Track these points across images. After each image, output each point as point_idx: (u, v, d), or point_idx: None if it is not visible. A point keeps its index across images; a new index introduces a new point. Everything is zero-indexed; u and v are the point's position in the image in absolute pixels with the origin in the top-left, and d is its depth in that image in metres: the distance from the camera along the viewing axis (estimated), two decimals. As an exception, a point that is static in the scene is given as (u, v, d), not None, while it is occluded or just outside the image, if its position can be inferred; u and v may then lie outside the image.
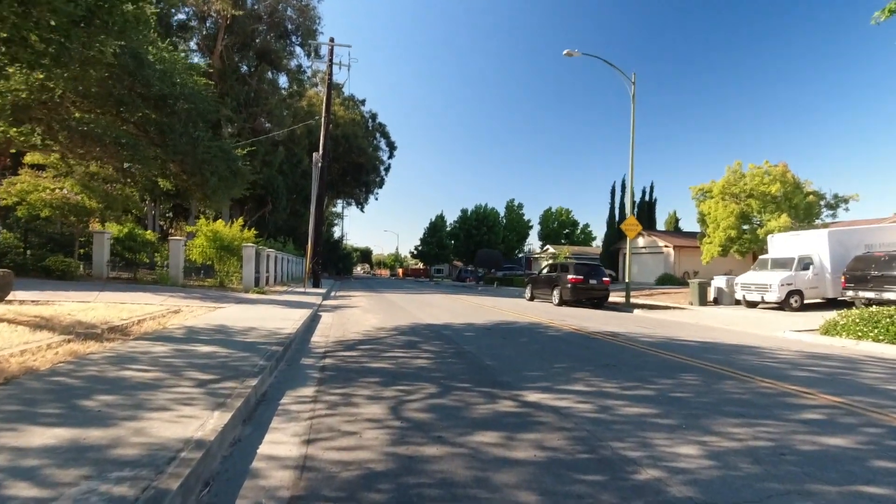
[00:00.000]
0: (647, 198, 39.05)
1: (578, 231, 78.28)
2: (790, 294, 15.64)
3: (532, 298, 20.69)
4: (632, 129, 18.60)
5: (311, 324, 10.77)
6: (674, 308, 17.60)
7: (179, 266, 18.84)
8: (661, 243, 32.99)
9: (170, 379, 4.73)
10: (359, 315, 12.71)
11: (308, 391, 4.95)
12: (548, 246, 55.73)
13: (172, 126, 9.38)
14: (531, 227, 74.41)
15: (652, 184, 41.37)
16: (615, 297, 20.01)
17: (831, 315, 13.51)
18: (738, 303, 18.41)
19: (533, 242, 75.72)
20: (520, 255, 68.64)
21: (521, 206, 72.41)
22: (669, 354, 7.36)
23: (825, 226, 22.44)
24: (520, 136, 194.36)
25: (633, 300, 19.04)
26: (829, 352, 8.49)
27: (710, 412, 4.33)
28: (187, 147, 9.85)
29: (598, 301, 17.93)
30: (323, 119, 26.67)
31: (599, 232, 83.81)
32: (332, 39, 26.94)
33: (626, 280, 18.43)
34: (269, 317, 10.56)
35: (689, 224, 74.63)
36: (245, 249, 19.46)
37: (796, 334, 10.68)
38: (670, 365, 6.57)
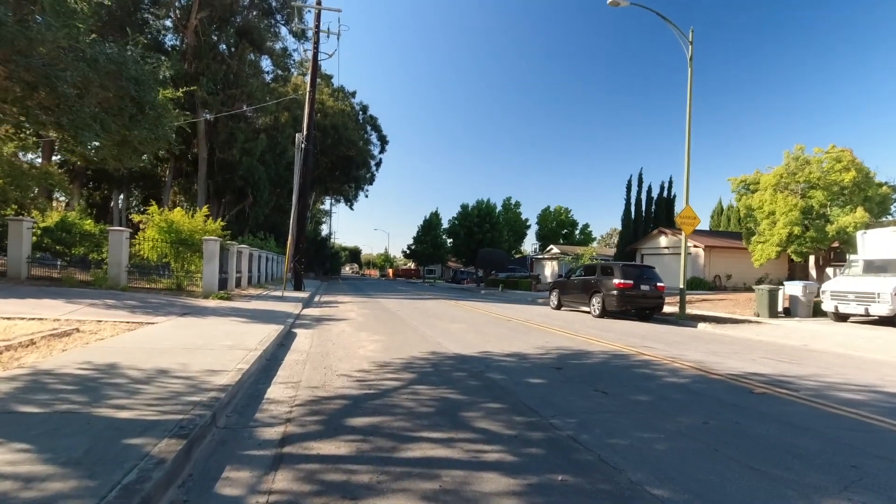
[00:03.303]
0: (665, 193, 35.65)
1: (578, 231, 75.24)
2: (905, 306, 12.22)
3: (559, 306, 17.07)
4: (688, 100, 15.08)
5: (277, 353, 7.02)
6: (744, 321, 14.09)
7: (121, 264, 14.91)
8: (689, 243, 29.58)
9: None
10: (349, 335, 8.97)
11: None
12: (551, 246, 52.32)
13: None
14: (529, 226, 71.20)
15: (671, 179, 38.08)
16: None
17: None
18: (816, 314, 14.99)
19: (527, 243, 72.66)
20: (516, 256, 65.27)
21: (518, 204, 69.07)
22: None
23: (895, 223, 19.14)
24: (517, 129, 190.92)
25: (673, 308, 15.52)
26: None
27: None
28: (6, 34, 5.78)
29: (649, 312, 14.35)
30: (308, 94, 22.85)
31: (598, 232, 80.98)
32: (318, 1, 23.13)
33: (682, 286, 14.89)
34: (210, 342, 6.78)
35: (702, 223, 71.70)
36: (206, 244, 15.58)
37: None
38: None
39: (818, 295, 15.21)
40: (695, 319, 14.07)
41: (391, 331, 9.72)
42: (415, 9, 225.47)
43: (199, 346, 6.50)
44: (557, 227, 72.88)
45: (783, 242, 18.57)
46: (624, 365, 6.56)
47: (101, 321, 8.33)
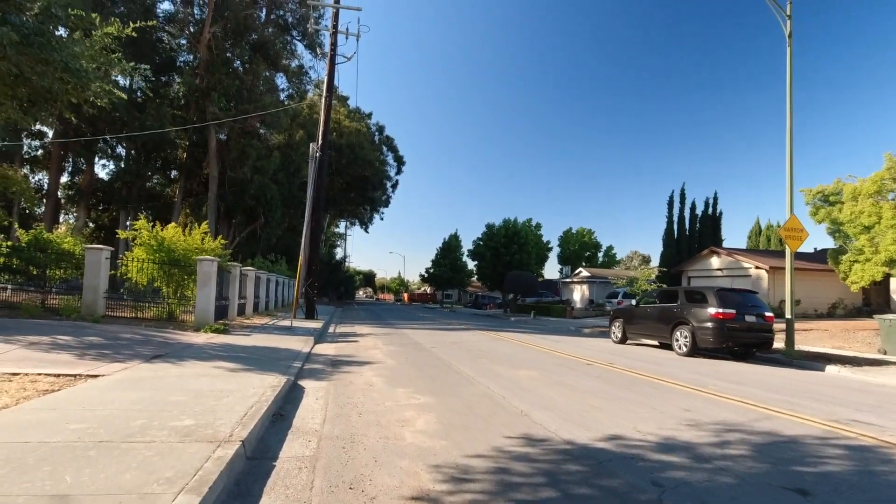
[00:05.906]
0: (710, 210, 32.49)
1: (602, 253, 71.99)
2: None
3: (623, 340, 14.02)
4: (788, 82, 12.27)
5: (268, 439, 4.19)
6: (881, 363, 10.93)
7: (99, 289, 12.38)
8: (746, 264, 26.27)
9: None
10: (380, 393, 6.13)
11: None
12: (580, 269, 49.12)
13: None
14: (550, 248, 68.23)
15: (715, 194, 35.02)
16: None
17: None
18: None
19: (548, 266, 69.66)
20: (539, 280, 61.98)
21: (539, 226, 66.08)
22: None
23: None
24: (536, 151, 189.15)
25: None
26: None
27: None
28: None
29: (755, 349, 11.25)
30: (324, 100, 20.56)
31: (622, 254, 77.44)
32: (337, 0, 21.06)
33: (789, 315, 11.77)
34: (156, 420, 3.94)
35: (734, 243, 68.02)
36: (201, 265, 12.99)
37: None
38: None
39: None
40: (811, 359, 10.95)
41: (439, 385, 6.84)
42: (434, 25, 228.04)
43: (131, 434, 3.70)
44: (580, 250, 69.77)
45: (889, 261, 15.43)
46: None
47: (15, 374, 5.63)
